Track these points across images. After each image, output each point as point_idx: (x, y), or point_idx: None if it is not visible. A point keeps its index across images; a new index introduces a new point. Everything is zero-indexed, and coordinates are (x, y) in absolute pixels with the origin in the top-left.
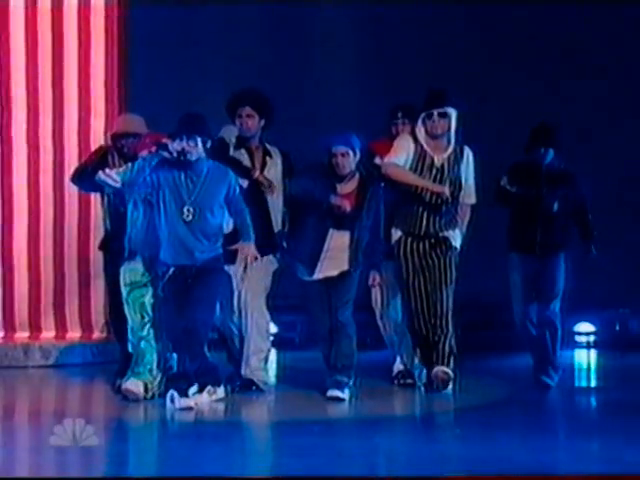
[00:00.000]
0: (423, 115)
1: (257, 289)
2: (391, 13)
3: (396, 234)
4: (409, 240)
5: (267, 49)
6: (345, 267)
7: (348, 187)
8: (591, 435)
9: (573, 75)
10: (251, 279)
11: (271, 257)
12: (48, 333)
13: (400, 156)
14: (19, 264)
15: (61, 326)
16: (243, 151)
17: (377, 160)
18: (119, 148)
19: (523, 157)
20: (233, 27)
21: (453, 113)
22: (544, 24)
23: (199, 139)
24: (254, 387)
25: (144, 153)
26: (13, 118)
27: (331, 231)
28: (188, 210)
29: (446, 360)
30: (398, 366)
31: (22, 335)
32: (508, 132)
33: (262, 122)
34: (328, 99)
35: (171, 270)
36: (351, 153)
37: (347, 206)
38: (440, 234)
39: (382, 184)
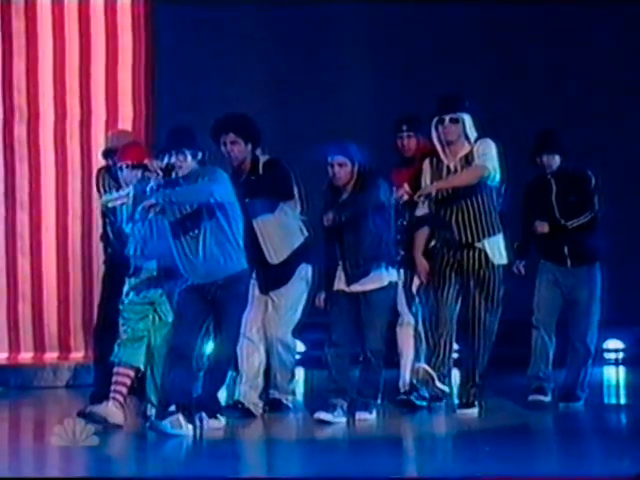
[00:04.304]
0: (435, 120)
1: (283, 320)
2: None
3: (432, 243)
4: (444, 249)
5: (292, 49)
6: (376, 284)
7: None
8: (621, 453)
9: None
10: (277, 309)
11: (301, 289)
12: (77, 353)
13: (422, 204)
14: (48, 285)
15: (90, 346)
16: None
17: (394, 190)
18: (109, 165)
19: (532, 175)
20: (260, 25)
21: (466, 118)
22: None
23: (188, 152)
24: (282, 407)
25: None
26: (40, 133)
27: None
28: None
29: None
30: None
31: (51, 355)
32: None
33: (249, 146)
34: (348, 110)
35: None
36: (349, 163)
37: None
38: (476, 244)
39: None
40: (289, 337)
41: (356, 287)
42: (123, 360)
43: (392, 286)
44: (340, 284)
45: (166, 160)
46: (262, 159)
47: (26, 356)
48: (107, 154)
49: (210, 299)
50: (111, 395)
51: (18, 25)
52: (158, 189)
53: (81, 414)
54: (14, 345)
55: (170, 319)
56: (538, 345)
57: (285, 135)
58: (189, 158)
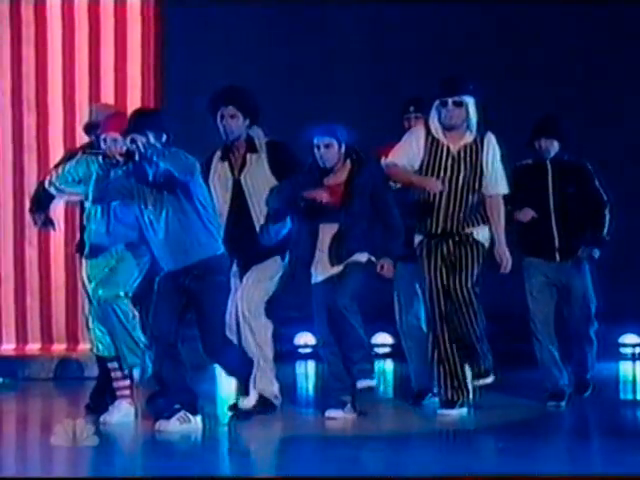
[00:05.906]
0: (437, 103)
1: (253, 299)
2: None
3: (417, 237)
4: (431, 242)
5: (299, 43)
6: (354, 259)
7: (337, 178)
8: (635, 449)
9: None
10: (246, 289)
11: (277, 265)
12: (85, 345)
13: (399, 157)
14: (56, 276)
15: None
16: (226, 164)
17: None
18: (92, 142)
19: (527, 157)
20: (268, 24)
21: (470, 101)
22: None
23: (151, 134)
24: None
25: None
26: (49, 124)
27: (321, 226)
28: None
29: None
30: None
31: (59, 347)
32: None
33: (247, 122)
34: (340, 95)
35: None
36: (335, 144)
37: (322, 197)
38: (463, 231)
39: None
40: (262, 311)
41: (333, 269)
42: (112, 353)
43: (371, 264)
44: (317, 276)
45: (127, 144)
46: (262, 140)
47: (33, 347)
48: (89, 128)
49: (184, 290)
50: (118, 394)
51: (27, 14)
52: (124, 174)
53: (88, 408)
54: (21, 336)
55: (120, 292)
56: (545, 356)
57: (291, 123)
58: (152, 140)
